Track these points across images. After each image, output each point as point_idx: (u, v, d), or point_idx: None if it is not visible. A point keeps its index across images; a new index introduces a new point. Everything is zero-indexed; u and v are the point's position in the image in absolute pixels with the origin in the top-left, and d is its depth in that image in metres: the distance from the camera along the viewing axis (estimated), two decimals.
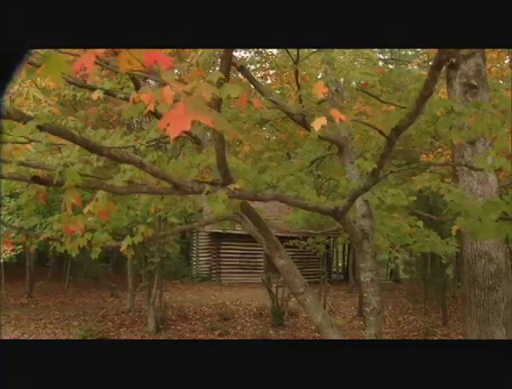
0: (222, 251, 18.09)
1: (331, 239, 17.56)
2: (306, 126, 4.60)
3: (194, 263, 19.55)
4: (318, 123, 1.62)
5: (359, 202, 4.87)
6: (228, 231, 16.16)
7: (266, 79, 10.55)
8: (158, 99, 2.20)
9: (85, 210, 2.47)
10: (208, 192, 2.85)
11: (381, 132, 2.99)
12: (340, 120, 1.61)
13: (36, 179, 2.06)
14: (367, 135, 8.02)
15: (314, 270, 15.85)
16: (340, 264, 26.70)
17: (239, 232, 14.76)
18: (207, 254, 18.65)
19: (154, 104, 2.26)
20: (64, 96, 6.39)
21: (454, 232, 3.35)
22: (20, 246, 8.06)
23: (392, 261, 5.80)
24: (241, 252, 17.64)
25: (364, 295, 4.80)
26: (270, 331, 10.40)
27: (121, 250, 3.93)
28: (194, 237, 19.87)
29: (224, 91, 1.55)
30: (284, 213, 15.63)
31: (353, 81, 4.92)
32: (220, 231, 16.67)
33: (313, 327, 9.36)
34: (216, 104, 2.72)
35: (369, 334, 4.70)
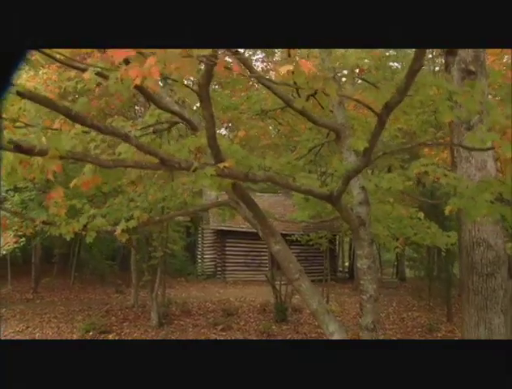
0: (227, 249, 18.11)
1: (337, 236, 17.50)
2: (303, 112, 4.57)
3: (199, 261, 19.58)
4: (283, 69, 1.61)
5: (356, 189, 4.84)
6: (233, 228, 16.19)
7: (268, 73, 10.57)
8: (145, 73, 2.21)
9: (71, 184, 2.49)
10: (196, 169, 2.85)
11: (372, 110, 2.97)
12: (309, 69, 1.59)
13: (18, 147, 2.07)
14: (369, 127, 7.96)
15: (319, 268, 15.82)
16: (347, 264, 26.52)
17: (244, 229, 14.80)
18: (212, 252, 18.67)
19: (141, 80, 2.27)
20: (65, 89, 6.44)
21: (447, 212, 3.31)
22: (23, 239, 8.13)
23: (394, 251, 5.76)
24: (246, 250, 17.65)
25: (361, 282, 4.73)
26: (273, 327, 10.37)
27: (115, 233, 3.94)
28: (200, 235, 19.91)
29: None
30: (289, 211, 15.60)
31: (350, 66, 4.89)
32: (225, 228, 16.70)
33: (317, 323, 9.31)
34: (205, 79, 2.72)
35: (366, 322, 4.65)
